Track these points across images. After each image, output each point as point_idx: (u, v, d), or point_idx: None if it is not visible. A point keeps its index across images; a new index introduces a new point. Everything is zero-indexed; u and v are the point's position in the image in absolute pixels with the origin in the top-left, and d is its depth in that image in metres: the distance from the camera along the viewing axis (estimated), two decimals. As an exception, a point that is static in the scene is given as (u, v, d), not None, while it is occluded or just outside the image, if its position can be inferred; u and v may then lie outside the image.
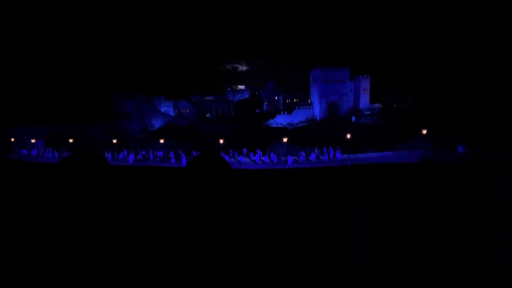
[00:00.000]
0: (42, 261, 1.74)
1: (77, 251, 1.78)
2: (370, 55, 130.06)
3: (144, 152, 45.61)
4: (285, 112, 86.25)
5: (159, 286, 1.76)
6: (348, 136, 38.51)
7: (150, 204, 2.38)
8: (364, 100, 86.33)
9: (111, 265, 1.78)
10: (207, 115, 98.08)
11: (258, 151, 39.36)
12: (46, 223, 1.93)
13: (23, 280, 1.68)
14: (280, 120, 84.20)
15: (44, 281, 1.69)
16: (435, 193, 2.26)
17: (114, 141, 54.58)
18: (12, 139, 61.40)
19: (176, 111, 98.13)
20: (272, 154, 38.48)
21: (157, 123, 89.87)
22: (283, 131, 70.00)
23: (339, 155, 36.78)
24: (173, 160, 40.40)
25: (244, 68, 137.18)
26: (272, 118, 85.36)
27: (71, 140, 57.11)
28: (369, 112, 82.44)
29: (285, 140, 40.62)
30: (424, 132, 38.93)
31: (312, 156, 37.15)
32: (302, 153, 38.00)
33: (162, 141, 49.39)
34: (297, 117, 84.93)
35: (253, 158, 39.00)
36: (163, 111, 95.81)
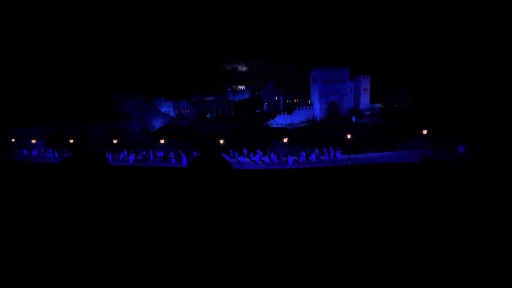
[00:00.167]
0: (42, 261, 1.74)
1: (77, 251, 1.79)
2: (370, 55, 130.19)
3: (144, 153, 45.59)
4: (286, 112, 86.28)
5: (159, 286, 1.76)
6: (349, 136, 38.51)
7: (150, 204, 2.38)
8: (365, 100, 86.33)
9: (111, 265, 1.79)
10: (208, 116, 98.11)
11: (259, 152, 39.34)
12: (46, 223, 1.93)
13: (23, 280, 1.68)
14: (280, 120, 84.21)
15: (44, 281, 1.69)
16: (435, 193, 2.26)
17: (115, 141, 54.59)
18: (13, 140, 61.40)
19: (176, 112, 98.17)
20: (272, 154, 38.47)
21: (157, 124, 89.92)
22: (283, 131, 70.01)
23: (339, 155, 36.76)
24: (173, 161, 40.41)
25: (244, 68, 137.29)
26: (272, 119, 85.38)
27: (71, 141, 57.14)
28: (369, 112, 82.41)
29: (285, 140, 40.64)
30: (425, 132, 38.94)
31: (313, 157, 37.14)
32: (303, 153, 37.98)
33: (162, 141, 49.43)
34: (298, 117, 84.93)
35: (254, 158, 38.98)
36: (163, 111, 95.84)
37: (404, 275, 1.88)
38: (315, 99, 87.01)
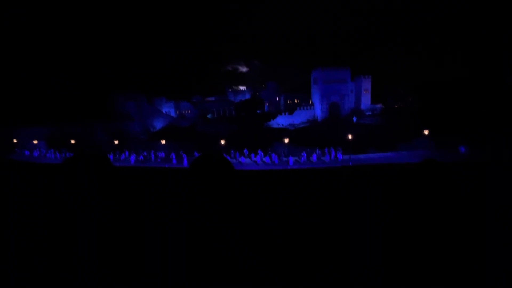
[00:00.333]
0: (42, 261, 1.75)
1: (77, 251, 1.79)
2: (371, 55, 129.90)
3: (145, 153, 45.65)
4: (286, 113, 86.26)
5: (159, 286, 1.76)
6: (350, 136, 38.45)
7: (151, 205, 2.39)
8: (366, 100, 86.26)
9: (111, 265, 1.79)
10: (208, 116, 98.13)
11: (260, 152, 39.35)
12: (47, 223, 1.93)
13: (23, 280, 1.68)
14: (281, 121, 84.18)
15: (44, 281, 1.69)
16: (436, 193, 2.26)
17: (116, 142, 54.66)
18: (14, 140, 61.52)
19: (177, 112, 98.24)
20: (273, 154, 38.47)
21: (158, 124, 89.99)
22: (284, 131, 70.01)
23: (340, 155, 36.73)
24: (174, 161, 40.43)
25: (244, 69, 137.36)
26: (273, 119, 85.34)
27: (73, 141, 57.24)
28: (370, 113, 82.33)
29: (286, 140, 40.58)
30: (426, 132, 38.89)
31: (314, 157, 37.12)
32: (304, 153, 37.96)
33: (163, 142, 49.45)
34: (298, 117, 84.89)
35: (255, 158, 38.97)
36: (164, 112, 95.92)
37: (404, 275, 1.88)
38: (316, 99, 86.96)
